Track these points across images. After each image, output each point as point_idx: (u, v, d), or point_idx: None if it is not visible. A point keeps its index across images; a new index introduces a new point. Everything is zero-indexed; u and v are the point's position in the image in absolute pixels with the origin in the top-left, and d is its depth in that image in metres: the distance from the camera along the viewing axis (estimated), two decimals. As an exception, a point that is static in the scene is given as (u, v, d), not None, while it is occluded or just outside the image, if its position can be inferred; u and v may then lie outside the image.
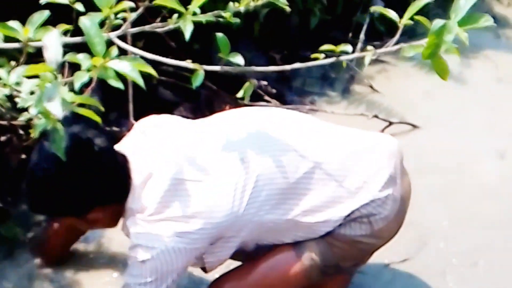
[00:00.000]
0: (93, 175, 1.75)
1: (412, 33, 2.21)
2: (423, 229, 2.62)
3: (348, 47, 1.77)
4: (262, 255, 1.95)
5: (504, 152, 3.08)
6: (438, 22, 1.48)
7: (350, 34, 3.72)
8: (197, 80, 1.80)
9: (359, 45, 3.80)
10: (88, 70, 1.47)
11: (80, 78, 1.45)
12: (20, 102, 1.51)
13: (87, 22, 1.50)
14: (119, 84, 1.50)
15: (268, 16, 3.35)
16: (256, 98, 3.19)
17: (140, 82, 1.50)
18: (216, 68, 1.87)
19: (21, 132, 2.47)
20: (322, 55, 1.79)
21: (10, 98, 2.29)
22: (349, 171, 1.90)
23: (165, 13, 1.96)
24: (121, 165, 1.79)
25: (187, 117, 3.27)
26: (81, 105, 1.47)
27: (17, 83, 1.90)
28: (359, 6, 3.80)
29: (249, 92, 1.87)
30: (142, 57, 1.68)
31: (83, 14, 1.76)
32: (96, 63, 1.45)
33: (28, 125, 2.37)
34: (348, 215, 1.88)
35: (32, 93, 1.48)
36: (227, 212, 1.78)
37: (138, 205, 1.77)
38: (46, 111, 1.43)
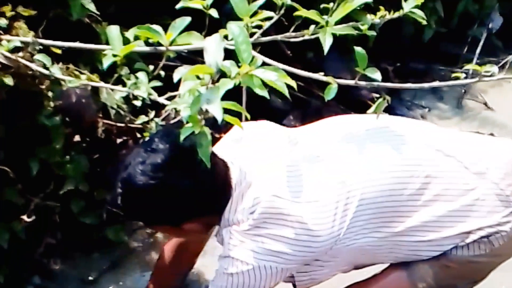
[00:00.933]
0: (196, 184, 1.69)
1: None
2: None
3: (495, 69, 1.68)
4: (372, 278, 1.89)
5: None
6: None
7: (465, 49, 3.60)
8: (330, 94, 1.78)
9: (475, 60, 3.69)
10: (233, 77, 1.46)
11: (225, 85, 1.45)
12: (169, 105, 1.50)
13: (236, 29, 1.49)
14: (264, 93, 1.49)
15: (382, 27, 3.28)
16: (366, 109, 3.13)
17: (285, 91, 1.49)
18: (351, 82, 1.83)
19: (137, 135, 2.49)
20: (463, 75, 1.72)
21: (128, 100, 2.35)
22: (470, 188, 1.80)
23: (298, 22, 1.94)
24: (223, 174, 1.75)
25: (295, 126, 3.33)
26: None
27: (135, 84, 1.93)
28: (476, 20, 3.66)
29: (381, 108, 1.82)
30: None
31: (217, 20, 1.77)
32: (243, 71, 1.44)
33: (143, 128, 2.45)
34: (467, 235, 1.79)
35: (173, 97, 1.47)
36: (326, 236, 1.70)
37: (235, 217, 1.73)
38: (194, 115, 1.43)
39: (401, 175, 1.76)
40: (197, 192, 1.70)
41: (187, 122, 1.44)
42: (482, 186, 1.78)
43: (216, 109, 1.29)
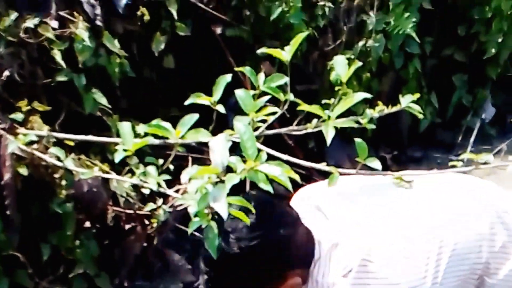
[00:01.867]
0: (286, 245, 1.65)
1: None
2: None
3: (490, 157, 1.77)
4: None
5: None
6: None
7: (460, 138, 3.72)
8: (333, 182, 1.83)
9: (469, 148, 3.80)
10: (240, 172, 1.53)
11: (231, 180, 1.51)
12: (178, 199, 1.58)
13: (241, 126, 1.57)
14: (268, 187, 1.55)
15: (380, 117, 3.41)
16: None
17: (289, 186, 1.54)
18: (352, 171, 1.90)
19: (145, 221, 2.56)
20: (460, 163, 1.80)
21: (136, 188, 2.44)
22: None
23: (301, 116, 2.05)
24: (307, 235, 1.71)
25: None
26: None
27: (144, 173, 2.02)
28: (469, 110, 3.81)
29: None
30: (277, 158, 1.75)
31: (223, 115, 1.88)
32: (249, 166, 1.51)
33: (151, 215, 2.52)
34: None
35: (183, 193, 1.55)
36: None
37: (325, 280, 1.68)
38: (202, 211, 1.50)
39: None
40: (286, 251, 1.65)
41: (195, 216, 1.51)
42: None
43: (221, 207, 1.36)
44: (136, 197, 2.50)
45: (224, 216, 1.37)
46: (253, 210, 1.59)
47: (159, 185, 1.89)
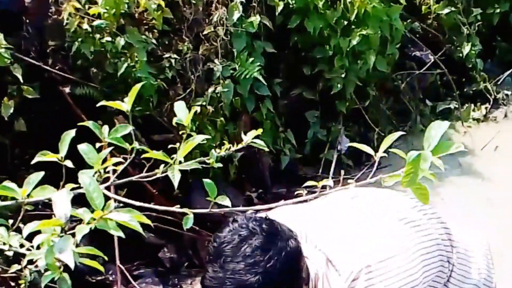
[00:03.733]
0: (297, 259, 1.62)
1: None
2: None
3: (330, 182, 1.89)
4: None
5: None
6: (413, 153, 1.62)
7: (320, 170, 3.91)
8: (188, 223, 1.89)
9: (330, 178, 3.98)
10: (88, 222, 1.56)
11: (81, 231, 1.54)
12: (27, 256, 1.59)
13: (86, 178, 1.61)
14: (119, 233, 1.59)
15: (242, 159, 3.54)
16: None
17: (140, 230, 1.59)
18: (205, 210, 1.97)
19: (11, 283, 2.50)
20: (305, 191, 1.92)
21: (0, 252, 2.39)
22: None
23: (148, 163, 2.11)
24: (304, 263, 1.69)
25: (172, 258, 3.44)
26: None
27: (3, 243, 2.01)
28: (326, 143, 4.03)
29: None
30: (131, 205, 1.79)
31: (72, 169, 1.91)
32: (97, 216, 1.55)
33: (18, 277, 2.47)
34: None
35: (38, 248, 1.57)
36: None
37: None
38: (53, 263, 1.52)
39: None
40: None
41: (46, 270, 1.53)
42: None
43: (68, 258, 1.40)
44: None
45: (71, 266, 1.40)
46: (105, 258, 1.63)
47: (10, 246, 1.88)
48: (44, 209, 2.51)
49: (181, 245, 3.34)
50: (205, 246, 3.43)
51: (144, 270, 3.23)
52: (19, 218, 1.83)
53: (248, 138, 2.21)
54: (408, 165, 1.66)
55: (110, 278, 3.06)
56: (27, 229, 1.51)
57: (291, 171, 3.94)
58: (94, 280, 3.04)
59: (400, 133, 1.84)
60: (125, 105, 2.03)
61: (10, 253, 2.35)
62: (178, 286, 3.23)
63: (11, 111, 2.62)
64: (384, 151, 1.82)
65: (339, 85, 3.79)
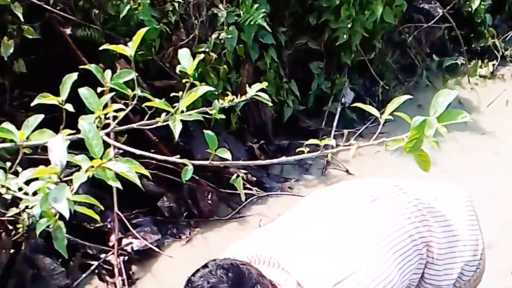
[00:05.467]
0: None
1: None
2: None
3: (332, 141, 1.85)
4: None
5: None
6: (418, 118, 1.58)
7: (323, 123, 3.87)
8: (187, 175, 1.86)
9: (333, 133, 3.95)
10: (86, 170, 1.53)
11: (79, 179, 1.51)
12: (22, 202, 1.56)
13: (85, 124, 1.57)
14: (117, 184, 1.56)
15: (244, 108, 3.49)
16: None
17: (137, 182, 1.55)
18: (205, 162, 1.94)
19: (9, 227, 2.49)
20: (307, 148, 1.88)
21: (-3, 194, 2.37)
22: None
23: (151, 111, 2.06)
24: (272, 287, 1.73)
25: (171, 207, 3.41)
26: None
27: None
28: (330, 97, 3.97)
29: (240, 184, 1.94)
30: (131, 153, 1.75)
31: (73, 114, 1.87)
32: (95, 164, 1.51)
33: (16, 220, 2.45)
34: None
35: (34, 194, 1.53)
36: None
37: None
38: (48, 211, 1.49)
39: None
40: None
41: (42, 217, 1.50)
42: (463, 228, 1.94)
43: (62, 207, 1.36)
44: (-3, 203, 2.42)
45: (66, 215, 1.37)
46: (101, 207, 1.61)
47: (8, 189, 1.84)
48: (43, 153, 2.48)
49: (181, 194, 3.31)
50: (204, 196, 3.44)
51: (142, 218, 3.21)
52: (17, 161, 1.80)
53: (252, 91, 2.16)
54: (412, 131, 1.62)
55: (109, 226, 3.03)
56: (23, 176, 1.47)
57: (293, 123, 3.90)
58: (92, 227, 3.02)
59: (407, 96, 1.79)
60: (129, 49, 1.97)
61: (9, 197, 2.34)
62: (177, 236, 3.21)
63: (11, 51, 2.55)
64: (389, 114, 1.79)
65: (345, 36, 3.72)
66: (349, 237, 1.82)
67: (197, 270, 1.63)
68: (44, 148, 2.52)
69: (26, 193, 1.79)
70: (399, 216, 1.86)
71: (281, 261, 1.76)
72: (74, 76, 1.91)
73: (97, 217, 1.63)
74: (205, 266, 1.66)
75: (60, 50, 2.85)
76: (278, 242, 1.84)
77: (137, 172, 1.55)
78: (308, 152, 1.96)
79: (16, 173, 1.90)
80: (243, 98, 2.16)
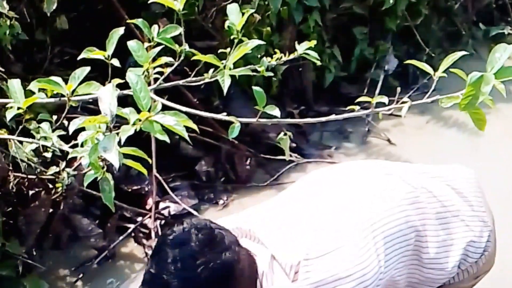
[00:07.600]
0: (228, 271, 1.63)
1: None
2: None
3: (385, 99, 1.80)
4: None
5: None
6: (475, 74, 1.52)
7: (365, 90, 3.79)
8: (234, 133, 1.83)
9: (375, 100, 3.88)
10: (134, 124, 1.49)
11: (126, 132, 1.47)
12: (71, 153, 1.53)
13: (133, 77, 1.53)
14: (165, 138, 1.53)
15: (285, 73, 3.43)
16: (273, 151, 3.24)
17: (185, 135, 1.52)
18: (252, 120, 1.90)
19: (49, 186, 2.49)
20: (357, 107, 1.83)
21: (38, 153, 2.36)
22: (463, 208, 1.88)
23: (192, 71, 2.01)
24: (248, 256, 1.69)
25: (208, 171, 3.39)
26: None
27: (45, 138, 1.96)
28: (372, 63, 3.89)
29: (286, 143, 1.90)
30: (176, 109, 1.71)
31: (119, 68, 1.83)
32: (143, 117, 1.48)
33: (55, 180, 2.44)
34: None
35: (81, 145, 1.51)
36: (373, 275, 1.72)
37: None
38: (96, 162, 1.46)
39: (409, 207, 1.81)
40: (229, 276, 1.63)
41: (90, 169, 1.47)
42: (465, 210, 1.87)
43: (112, 157, 1.33)
44: (38, 162, 2.42)
45: (116, 165, 1.34)
46: (150, 160, 1.57)
47: (53, 142, 1.83)
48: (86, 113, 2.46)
49: (218, 159, 3.27)
50: (242, 161, 3.40)
51: (180, 182, 3.17)
52: (63, 114, 1.78)
53: (301, 48, 2.11)
54: (468, 87, 1.55)
55: (146, 189, 3.01)
56: (73, 125, 1.44)
57: (334, 90, 3.82)
58: (129, 190, 3.00)
59: (463, 52, 1.72)
60: (178, 3, 1.93)
61: (49, 155, 2.33)
62: (214, 201, 3.17)
63: (54, 7, 2.51)
64: (443, 71, 1.72)
65: (391, 1, 3.61)
66: (339, 218, 1.76)
67: (173, 227, 1.61)
68: (86, 109, 2.51)
69: (72, 147, 1.77)
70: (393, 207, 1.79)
71: (259, 235, 1.74)
72: (121, 30, 1.87)
73: (145, 171, 1.59)
74: (180, 223, 1.62)
75: (101, 7, 2.82)
76: (263, 217, 1.81)
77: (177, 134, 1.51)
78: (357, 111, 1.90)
79: (63, 126, 1.88)
80: (291, 56, 2.11)
